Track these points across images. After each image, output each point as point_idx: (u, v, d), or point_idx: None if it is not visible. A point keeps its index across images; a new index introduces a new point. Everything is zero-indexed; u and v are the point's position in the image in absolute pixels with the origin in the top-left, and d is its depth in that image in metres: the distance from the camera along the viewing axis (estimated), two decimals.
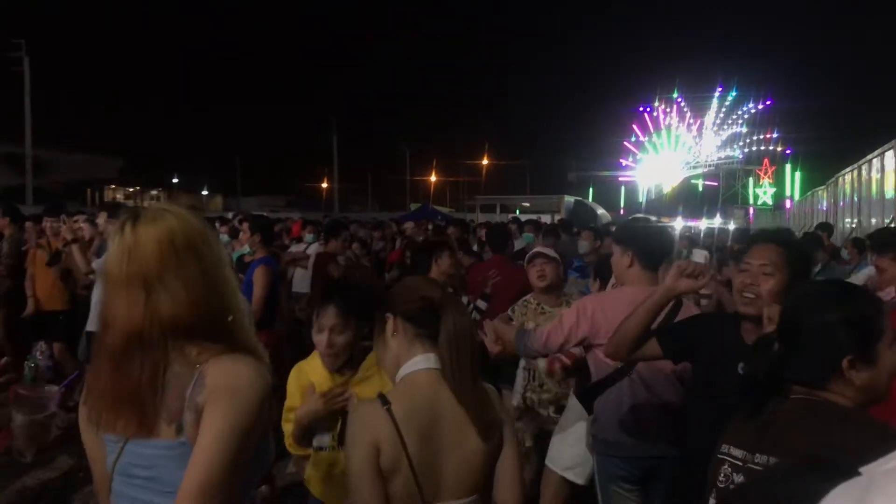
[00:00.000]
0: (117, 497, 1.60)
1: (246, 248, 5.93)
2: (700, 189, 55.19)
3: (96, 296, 5.92)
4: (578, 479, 3.58)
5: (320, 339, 2.66)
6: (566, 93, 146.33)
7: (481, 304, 4.85)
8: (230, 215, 12.87)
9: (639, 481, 3.17)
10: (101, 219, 6.15)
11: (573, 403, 3.68)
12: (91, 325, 5.95)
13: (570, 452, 3.61)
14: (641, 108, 57.20)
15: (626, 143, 58.18)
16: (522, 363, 4.17)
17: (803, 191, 37.33)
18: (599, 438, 3.21)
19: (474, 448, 1.83)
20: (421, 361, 1.87)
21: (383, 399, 1.81)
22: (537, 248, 4.73)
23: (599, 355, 3.10)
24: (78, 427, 1.67)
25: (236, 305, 1.63)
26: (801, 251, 2.51)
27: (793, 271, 2.38)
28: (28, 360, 2.36)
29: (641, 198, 55.18)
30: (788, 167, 45.52)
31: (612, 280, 3.79)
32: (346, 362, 2.71)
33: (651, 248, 3.27)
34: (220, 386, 1.49)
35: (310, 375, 2.75)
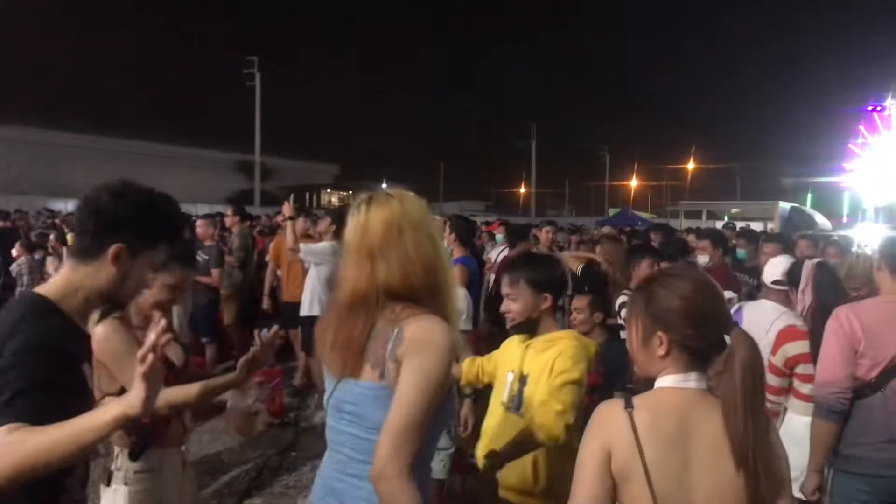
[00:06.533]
0: (330, 430, 1.92)
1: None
2: None
3: (309, 283, 6.46)
4: None
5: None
6: (781, 90, 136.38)
7: None
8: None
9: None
10: (324, 224, 6.71)
11: None
12: (304, 310, 6.47)
13: None
14: (870, 107, 51.91)
15: (850, 145, 53.09)
16: None
17: None
18: (844, 455, 3.02)
19: (729, 476, 1.65)
20: (678, 380, 1.75)
21: (627, 401, 1.72)
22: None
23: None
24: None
25: (443, 282, 1.88)
26: None
27: None
28: (253, 348, 2.61)
29: (868, 206, 50.08)
30: None
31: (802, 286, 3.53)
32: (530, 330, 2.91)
33: None
34: (416, 340, 1.75)
35: (507, 346, 3.04)
